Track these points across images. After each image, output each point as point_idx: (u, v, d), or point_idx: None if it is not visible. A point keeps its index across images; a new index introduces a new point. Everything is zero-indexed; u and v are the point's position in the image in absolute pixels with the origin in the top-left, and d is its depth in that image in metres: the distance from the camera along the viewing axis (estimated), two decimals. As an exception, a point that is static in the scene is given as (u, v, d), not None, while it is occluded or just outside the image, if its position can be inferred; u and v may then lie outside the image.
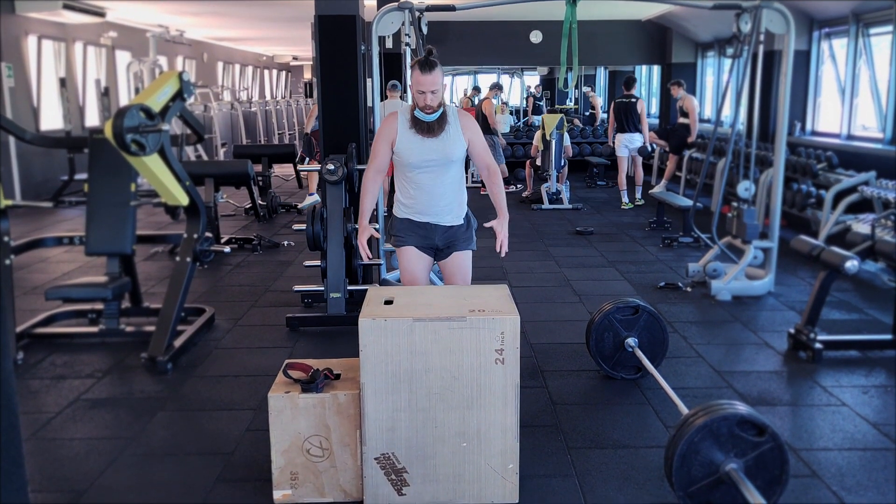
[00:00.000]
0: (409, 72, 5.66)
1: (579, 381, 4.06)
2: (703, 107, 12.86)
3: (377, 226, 5.44)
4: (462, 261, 3.67)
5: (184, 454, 3.28)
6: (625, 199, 9.93)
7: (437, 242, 3.62)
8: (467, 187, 3.96)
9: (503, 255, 3.54)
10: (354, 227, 5.18)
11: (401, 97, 9.15)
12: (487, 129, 11.08)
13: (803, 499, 2.88)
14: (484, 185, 11.51)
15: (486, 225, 3.55)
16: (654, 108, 15.19)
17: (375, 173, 3.59)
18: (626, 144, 9.75)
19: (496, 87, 11.94)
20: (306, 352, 4.52)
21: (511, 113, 15.00)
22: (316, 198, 8.96)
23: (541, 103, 15.40)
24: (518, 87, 19.85)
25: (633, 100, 9.72)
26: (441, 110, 3.44)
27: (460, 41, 12.82)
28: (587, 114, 16.40)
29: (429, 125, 3.43)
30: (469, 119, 3.56)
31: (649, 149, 10.00)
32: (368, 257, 3.65)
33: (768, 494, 2.60)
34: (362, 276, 5.51)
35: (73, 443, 3.38)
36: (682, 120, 10.26)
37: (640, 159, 9.98)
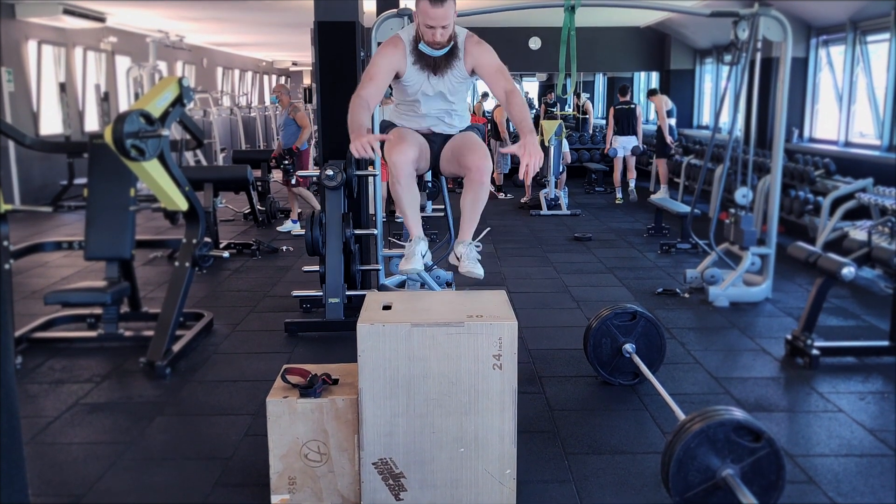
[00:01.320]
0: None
1: (577, 386, 4.07)
2: (701, 113, 12.90)
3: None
4: (464, 134, 3.36)
5: (182, 459, 3.28)
6: (619, 195, 10.99)
7: (435, 149, 3.38)
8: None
9: (522, 176, 2.97)
10: (353, 233, 5.20)
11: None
12: (498, 136, 11.15)
13: (800, 505, 2.89)
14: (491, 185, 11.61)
15: (504, 150, 3.15)
16: (653, 115, 15.24)
17: (363, 100, 3.01)
18: (623, 145, 10.74)
19: None
20: (305, 357, 4.52)
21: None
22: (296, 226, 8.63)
23: (553, 109, 15.48)
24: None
25: (633, 106, 10.78)
26: (450, 45, 3.05)
27: (459, 47, 12.84)
28: (582, 117, 16.44)
29: (435, 61, 3.07)
30: (479, 45, 3.14)
31: (641, 149, 11.01)
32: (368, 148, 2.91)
33: (765, 500, 2.60)
34: (361, 281, 5.52)
35: (71, 447, 3.39)
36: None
37: (633, 159, 10.98)
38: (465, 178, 3.28)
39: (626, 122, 10.72)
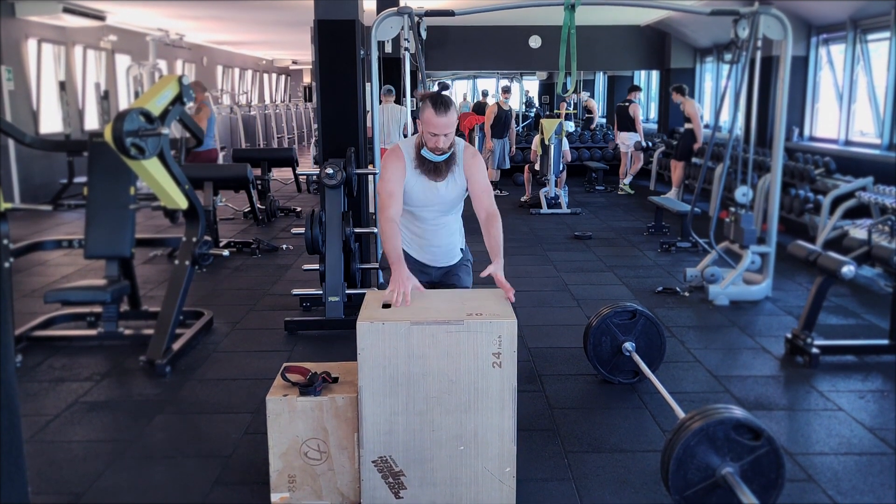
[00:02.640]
0: (408, 76, 5.69)
1: (577, 385, 4.07)
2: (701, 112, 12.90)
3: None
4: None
5: (182, 457, 3.28)
6: (624, 182, 11.76)
7: (434, 278, 3.45)
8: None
9: (512, 298, 3.06)
10: (353, 231, 5.20)
11: (397, 101, 9.18)
12: (501, 133, 11.13)
13: (799, 502, 2.89)
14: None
15: (484, 274, 3.13)
16: (653, 113, 15.25)
17: (392, 221, 3.13)
18: (624, 141, 11.46)
19: (506, 91, 12.04)
20: (304, 355, 4.53)
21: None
22: None
23: (569, 110, 15.44)
24: (517, 91, 19.91)
25: (627, 104, 11.41)
26: (451, 151, 3.16)
27: (460, 46, 12.86)
28: (584, 117, 16.45)
29: (436, 166, 3.15)
30: (474, 158, 3.25)
31: (643, 144, 11.39)
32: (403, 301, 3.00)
33: (764, 498, 2.61)
34: (360, 280, 5.52)
35: (71, 445, 3.39)
36: (687, 126, 10.18)
37: (639, 154, 11.52)
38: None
39: (621, 119, 11.46)
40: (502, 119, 11.10)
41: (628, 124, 11.32)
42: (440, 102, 3.08)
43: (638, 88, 11.74)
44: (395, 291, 2.89)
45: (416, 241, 3.37)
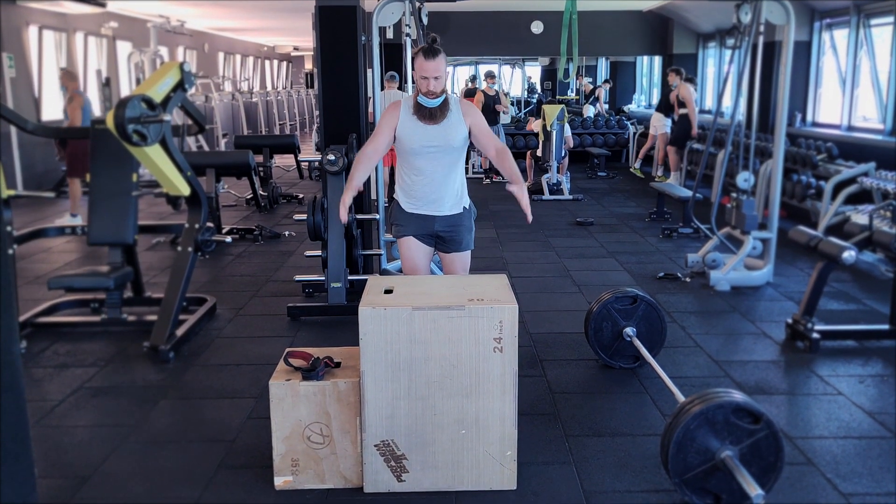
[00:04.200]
0: (410, 61, 5.68)
1: (578, 370, 4.09)
2: (703, 97, 12.84)
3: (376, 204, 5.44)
4: (462, 260, 3.77)
5: (186, 441, 3.31)
6: (636, 164, 12.03)
7: (438, 230, 3.66)
8: (467, 178, 3.99)
9: (530, 220, 3.45)
10: (355, 217, 5.21)
11: (399, 88, 9.16)
12: (491, 121, 11.08)
13: (798, 486, 2.91)
14: (486, 175, 11.58)
15: (508, 188, 3.48)
16: (655, 99, 15.19)
17: (372, 151, 3.60)
18: (654, 122, 11.12)
19: (490, 77, 11.94)
20: (307, 341, 4.55)
21: (511, 104, 15.05)
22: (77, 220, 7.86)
23: (572, 96, 15.29)
24: (519, 77, 19.87)
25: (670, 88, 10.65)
26: (443, 97, 3.50)
27: (461, 32, 12.80)
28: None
29: (430, 111, 3.48)
30: (469, 106, 3.63)
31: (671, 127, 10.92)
32: (344, 219, 3.57)
33: (763, 481, 2.63)
34: (363, 265, 5.53)
35: (76, 430, 3.42)
36: (681, 111, 10.15)
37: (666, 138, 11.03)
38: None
39: (661, 101, 11.22)
40: (490, 106, 10.97)
41: (663, 107, 10.92)
42: (429, 50, 3.47)
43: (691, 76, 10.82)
44: (340, 206, 3.53)
45: (418, 191, 3.62)
